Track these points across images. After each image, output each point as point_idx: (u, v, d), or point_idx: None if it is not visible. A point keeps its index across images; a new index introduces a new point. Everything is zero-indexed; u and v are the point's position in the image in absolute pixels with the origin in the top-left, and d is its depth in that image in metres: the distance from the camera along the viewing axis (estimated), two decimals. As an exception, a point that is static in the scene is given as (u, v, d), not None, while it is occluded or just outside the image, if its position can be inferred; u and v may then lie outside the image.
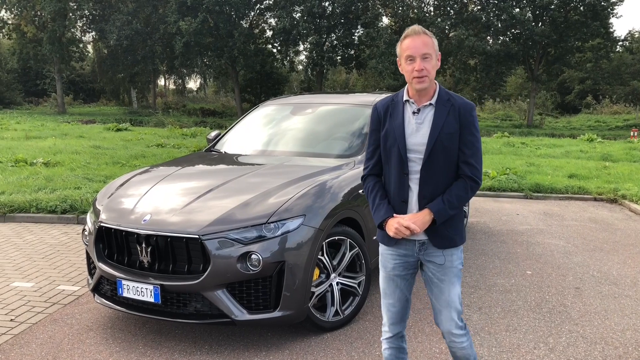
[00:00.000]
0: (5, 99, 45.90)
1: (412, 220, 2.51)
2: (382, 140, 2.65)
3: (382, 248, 2.75)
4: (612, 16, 33.19)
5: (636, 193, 8.58)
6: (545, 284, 4.94)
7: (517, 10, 33.11)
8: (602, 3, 32.35)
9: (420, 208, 2.56)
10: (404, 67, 2.54)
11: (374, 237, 4.43)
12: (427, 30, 2.54)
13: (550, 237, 6.60)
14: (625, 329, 3.99)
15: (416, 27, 2.53)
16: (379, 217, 2.62)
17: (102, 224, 3.82)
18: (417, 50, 2.47)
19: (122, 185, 4.34)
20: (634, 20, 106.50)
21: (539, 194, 9.18)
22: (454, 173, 2.56)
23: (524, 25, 32.44)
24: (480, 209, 8.03)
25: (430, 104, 2.55)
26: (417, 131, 2.54)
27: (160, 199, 3.91)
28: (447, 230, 2.59)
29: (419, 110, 2.56)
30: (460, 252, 2.66)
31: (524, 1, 33.50)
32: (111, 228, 3.76)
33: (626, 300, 4.55)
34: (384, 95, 5.55)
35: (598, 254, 5.89)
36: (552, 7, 32.92)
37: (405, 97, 2.62)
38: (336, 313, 3.94)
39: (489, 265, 5.46)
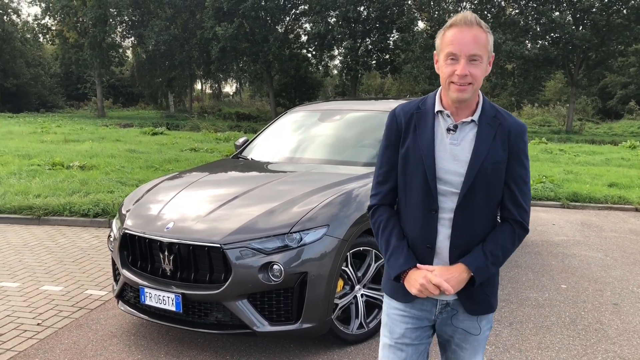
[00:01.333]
0: (48, 103, 47.38)
1: (445, 276, 1.90)
2: (401, 160, 2.00)
3: (388, 306, 2.12)
4: (657, 19, 32.14)
5: (680, 204, 8.22)
6: (581, 299, 4.73)
7: (557, 13, 32.36)
8: (647, 6, 31.37)
9: (452, 259, 1.95)
10: (441, 67, 1.90)
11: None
12: (482, 22, 1.87)
13: (587, 249, 6.36)
14: (666, 350, 3.79)
15: (468, 15, 1.85)
16: (396, 267, 1.98)
17: (126, 231, 3.82)
18: (464, 48, 1.83)
19: (147, 192, 4.35)
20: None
21: (577, 204, 8.89)
22: (495, 216, 1.99)
23: (564, 29, 31.68)
24: (515, 219, 7.80)
25: (472, 121, 1.93)
26: (453, 156, 1.92)
27: (184, 206, 3.89)
28: (485, 291, 2.01)
29: (456, 127, 1.93)
30: (492, 315, 2.11)
31: (564, 4, 32.74)
32: (135, 235, 3.76)
33: (668, 319, 4.33)
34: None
35: (639, 269, 5.63)
36: (594, 10, 32.07)
37: (437, 107, 1.97)
38: (360, 326, 3.85)
39: (522, 278, 5.28)
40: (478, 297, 1.99)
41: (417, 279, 1.92)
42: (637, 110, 42.31)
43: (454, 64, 1.85)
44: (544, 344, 3.88)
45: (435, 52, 1.96)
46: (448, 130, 1.94)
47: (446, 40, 1.87)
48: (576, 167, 12.88)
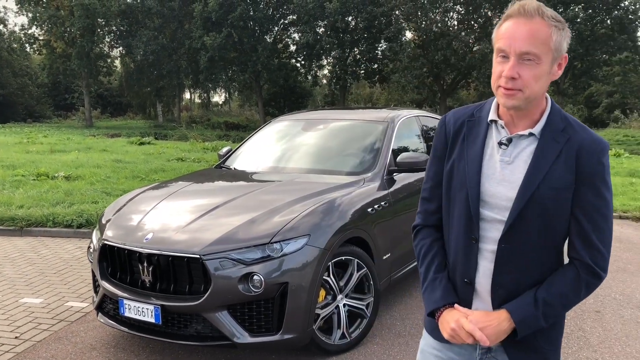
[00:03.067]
0: (35, 113, 47.02)
1: (482, 323, 1.58)
2: (445, 176, 1.71)
3: (424, 340, 1.83)
4: (641, 29, 32.63)
5: (664, 211, 8.29)
6: (564, 307, 4.74)
7: (543, 23, 32.75)
8: (630, 16, 31.82)
9: (495, 301, 1.62)
10: (494, 65, 1.57)
11: (384, 257, 4.32)
12: (550, 12, 1.50)
13: (571, 257, 6.38)
14: None
15: (527, 4, 1.49)
16: (431, 302, 1.71)
17: (105, 242, 3.78)
18: (515, 43, 1.49)
19: (127, 202, 4.31)
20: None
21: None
22: (559, 254, 1.62)
23: (550, 39, 31.99)
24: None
25: (532, 134, 1.58)
26: (503, 175, 1.59)
27: (164, 217, 3.86)
28: (537, 341, 1.63)
29: (510, 141, 1.60)
30: None
31: (550, 14, 33.14)
32: (114, 246, 3.72)
33: (649, 326, 4.34)
34: (398, 112, 5.46)
35: (621, 275, 5.66)
36: (578, 20, 32.46)
37: (491, 115, 1.65)
38: (342, 336, 3.82)
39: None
40: (527, 346, 1.62)
41: (450, 321, 1.63)
42: (623, 118, 42.78)
43: (504, 62, 1.52)
44: (527, 352, 3.87)
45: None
46: (500, 144, 1.61)
47: (499, 33, 1.55)
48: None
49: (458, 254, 1.68)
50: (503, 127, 1.62)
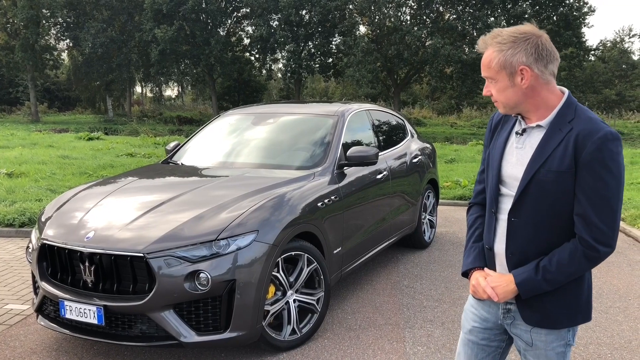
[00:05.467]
0: (-24, 108, 45.02)
1: (494, 283, 1.92)
2: (486, 162, 2.07)
3: (467, 300, 2.19)
4: (584, 26, 33.74)
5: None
6: (510, 297, 4.84)
7: (492, 19, 33.43)
8: (574, 13, 32.87)
9: (509, 265, 1.94)
10: None
11: (335, 251, 4.31)
12: (498, 37, 1.84)
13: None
14: (589, 343, 3.91)
15: (481, 40, 1.90)
16: (465, 264, 2.09)
17: (44, 241, 3.62)
18: (482, 71, 1.91)
19: (69, 199, 4.15)
20: (605, 30, 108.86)
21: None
22: (566, 232, 1.85)
23: (499, 34, 32.73)
24: (450, 218, 7.95)
25: (539, 126, 1.88)
26: (516, 159, 1.92)
27: (107, 215, 3.73)
28: (545, 305, 1.89)
29: (524, 130, 1.92)
30: (568, 330, 1.94)
31: (499, 10, 33.87)
32: (54, 245, 3.57)
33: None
34: (349, 106, 5.44)
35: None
36: (526, 16, 33.33)
37: None
38: (293, 332, 3.79)
39: (455, 277, 5.36)
40: (536, 306, 1.90)
41: (472, 280, 2.00)
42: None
43: None
44: (474, 342, 3.93)
45: None
46: (517, 133, 1.95)
47: None
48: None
49: (486, 226, 2.04)
50: (522, 120, 1.94)
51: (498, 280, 1.91)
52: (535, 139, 1.88)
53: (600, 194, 1.76)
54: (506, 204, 1.93)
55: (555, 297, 1.88)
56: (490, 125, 2.09)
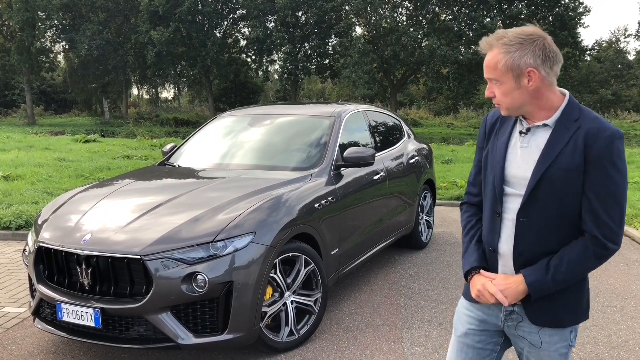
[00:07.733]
0: (-28, 111, 44.88)
1: (502, 285, 1.88)
2: (482, 163, 2.04)
3: (460, 301, 2.15)
4: (580, 26, 33.80)
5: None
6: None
7: (488, 19, 33.51)
8: (570, 13, 32.94)
9: (516, 266, 1.91)
10: None
11: (332, 252, 4.31)
12: (504, 39, 1.82)
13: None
14: (586, 342, 3.92)
15: (484, 41, 1.87)
16: (465, 265, 2.05)
17: (41, 244, 3.62)
18: (484, 73, 1.88)
19: (66, 201, 4.14)
20: (600, 30, 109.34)
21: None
22: (574, 230, 1.85)
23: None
24: (447, 219, 7.95)
25: (545, 125, 1.86)
26: (521, 159, 1.89)
27: (103, 217, 3.72)
28: (554, 305, 1.89)
29: (528, 130, 1.90)
30: (571, 331, 1.94)
31: (495, 11, 33.94)
32: (50, 248, 3.56)
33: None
34: (345, 106, 5.44)
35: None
36: (522, 16, 33.40)
37: None
38: (291, 333, 3.79)
39: (453, 278, 5.36)
40: (543, 307, 1.89)
41: (477, 283, 1.95)
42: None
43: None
44: (472, 342, 3.93)
45: None
46: (520, 133, 1.92)
47: None
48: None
49: (487, 226, 1.99)
50: (524, 120, 1.92)
51: (505, 283, 1.88)
52: (541, 137, 1.86)
53: (609, 191, 1.78)
54: (513, 204, 1.90)
55: (564, 296, 1.88)
56: (484, 127, 2.07)
